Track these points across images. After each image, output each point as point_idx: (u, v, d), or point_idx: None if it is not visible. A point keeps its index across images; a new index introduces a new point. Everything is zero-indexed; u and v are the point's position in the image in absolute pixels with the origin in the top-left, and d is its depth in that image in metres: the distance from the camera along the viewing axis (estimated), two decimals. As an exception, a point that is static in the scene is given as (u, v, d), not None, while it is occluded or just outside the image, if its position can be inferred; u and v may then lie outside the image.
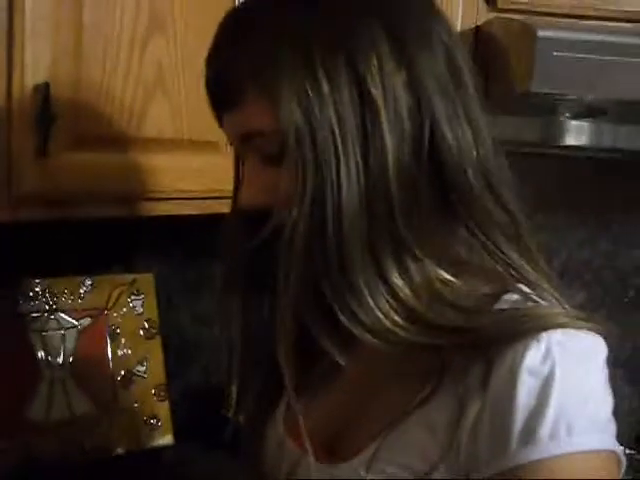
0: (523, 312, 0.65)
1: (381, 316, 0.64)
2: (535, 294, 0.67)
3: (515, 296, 0.67)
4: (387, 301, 0.64)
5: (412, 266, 0.66)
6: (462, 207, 0.68)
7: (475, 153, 0.68)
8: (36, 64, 1.00)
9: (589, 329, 0.64)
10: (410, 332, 0.64)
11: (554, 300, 0.69)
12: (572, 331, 0.63)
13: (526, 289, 0.68)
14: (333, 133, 0.63)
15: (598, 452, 0.60)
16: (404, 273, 0.65)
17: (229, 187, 0.79)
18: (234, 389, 1.53)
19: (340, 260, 0.64)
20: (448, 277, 0.68)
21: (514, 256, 0.70)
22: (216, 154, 1.18)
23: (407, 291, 0.65)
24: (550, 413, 0.59)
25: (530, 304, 0.66)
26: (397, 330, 0.64)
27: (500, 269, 0.69)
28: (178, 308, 1.67)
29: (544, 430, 0.59)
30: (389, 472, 0.65)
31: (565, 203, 1.80)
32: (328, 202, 0.63)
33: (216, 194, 1.17)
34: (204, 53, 0.72)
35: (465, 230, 0.69)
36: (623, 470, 0.65)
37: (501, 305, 0.66)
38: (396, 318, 0.64)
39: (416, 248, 0.66)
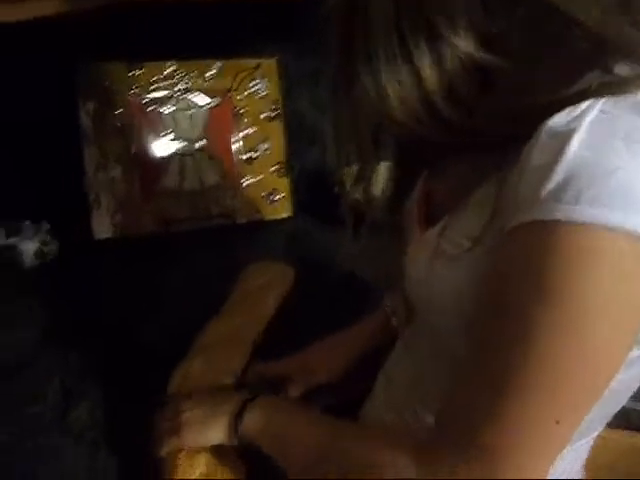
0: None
1: (391, 93, 0.66)
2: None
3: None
4: (408, 75, 0.65)
5: (447, 53, 0.63)
6: None
7: None
8: None
9: None
10: (423, 124, 0.67)
11: None
12: (629, 101, 0.56)
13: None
14: None
15: (613, 229, 0.53)
16: (436, 58, 0.64)
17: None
18: (345, 171, 1.64)
19: (366, 37, 0.68)
20: (498, 63, 0.63)
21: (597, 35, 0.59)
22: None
23: (434, 74, 0.64)
24: (557, 173, 0.54)
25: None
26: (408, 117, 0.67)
27: (585, 46, 0.60)
28: (299, 94, 1.73)
29: (548, 189, 0.55)
30: (455, 240, 0.71)
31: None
32: None
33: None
34: None
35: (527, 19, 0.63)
36: None
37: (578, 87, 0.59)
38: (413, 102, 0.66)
39: (451, 33, 0.63)
